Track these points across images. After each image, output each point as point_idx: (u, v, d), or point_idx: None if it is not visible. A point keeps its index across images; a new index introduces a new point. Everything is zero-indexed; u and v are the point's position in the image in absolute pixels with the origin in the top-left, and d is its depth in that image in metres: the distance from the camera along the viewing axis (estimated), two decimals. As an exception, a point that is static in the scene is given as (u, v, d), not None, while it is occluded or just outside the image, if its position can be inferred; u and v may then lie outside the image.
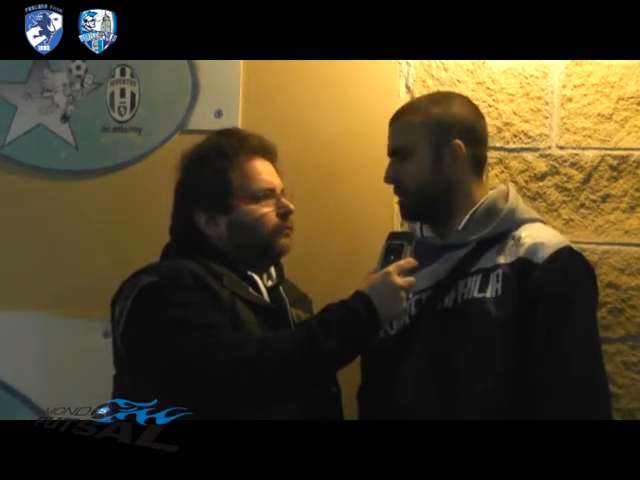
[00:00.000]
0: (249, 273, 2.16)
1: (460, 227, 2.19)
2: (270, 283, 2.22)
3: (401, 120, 2.23)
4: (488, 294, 2.10)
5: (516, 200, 2.23)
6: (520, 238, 2.14)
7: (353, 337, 2.00)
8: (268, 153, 2.22)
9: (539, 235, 2.14)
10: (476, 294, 2.12)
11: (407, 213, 2.25)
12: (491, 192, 2.24)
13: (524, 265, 2.10)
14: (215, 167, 2.16)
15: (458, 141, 2.19)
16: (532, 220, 2.21)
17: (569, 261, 2.11)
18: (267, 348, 1.95)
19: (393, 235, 2.16)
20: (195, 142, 2.24)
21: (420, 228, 2.28)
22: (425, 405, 2.09)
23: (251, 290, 2.14)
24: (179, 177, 2.22)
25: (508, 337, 2.08)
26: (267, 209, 2.16)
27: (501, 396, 2.07)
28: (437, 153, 2.18)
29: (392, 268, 2.05)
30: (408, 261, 2.07)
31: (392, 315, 2.06)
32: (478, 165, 2.24)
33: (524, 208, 2.24)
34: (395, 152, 2.22)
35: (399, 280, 2.04)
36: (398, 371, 2.16)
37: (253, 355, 1.94)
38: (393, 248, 2.11)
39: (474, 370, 2.08)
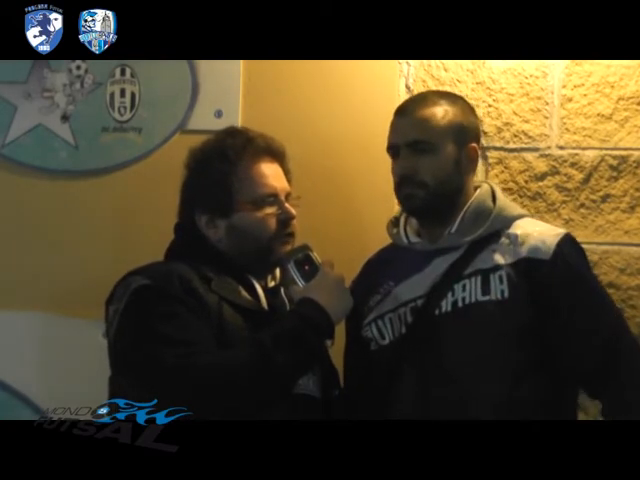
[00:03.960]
0: (246, 276, 2.14)
1: (453, 230, 2.18)
2: (274, 284, 2.21)
3: (421, 113, 2.17)
4: (493, 296, 2.10)
5: (504, 198, 2.25)
6: (517, 237, 2.14)
7: (308, 344, 2.01)
8: (275, 154, 2.19)
9: (535, 231, 2.15)
10: (480, 297, 2.11)
11: (418, 207, 2.18)
12: (477, 192, 2.23)
13: (529, 264, 2.11)
14: (217, 170, 2.14)
15: (475, 145, 2.21)
16: (521, 216, 2.21)
17: (573, 247, 2.16)
18: (218, 376, 1.94)
19: (289, 254, 2.14)
20: (198, 140, 2.23)
21: (405, 233, 2.25)
22: (430, 413, 2.07)
23: (243, 294, 2.12)
24: (184, 175, 2.21)
25: (520, 339, 2.09)
26: (268, 215, 2.14)
27: (514, 398, 2.07)
28: (458, 153, 2.18)
29: (326, 267, 2.10)
30: (329, 260, 2.12)
31: (344, 311, 2.09)
32: (476, 168, 2.27)
33: (512, 205, 2.25)
34: (412, 144, 2.16)
35: (337, 275, 2.09)
36: (396, 382, 2.14)
37: (204, 384, 1.94)
38: (300, 261, 2.12)
39: (485, 374, 2.08)
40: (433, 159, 2.16)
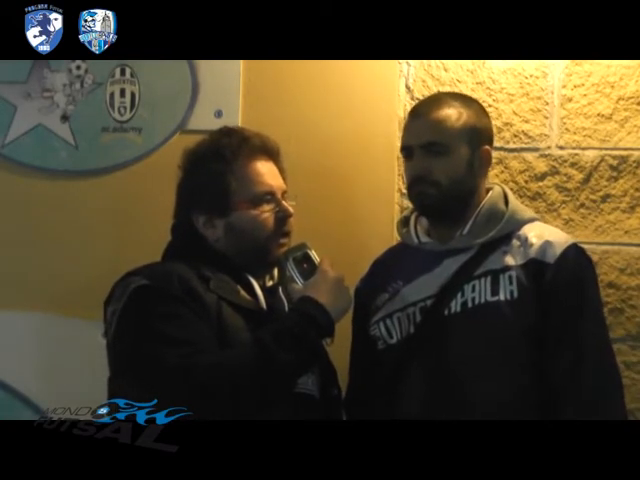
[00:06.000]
0: (244, 276, 2.14)
1: (465, 231, 2.18)
2: (272, 283, 2.21)
3: (435, 115, 2.17)
4: (502, 297, 2.10)
5: (516, 201, 2.26)
6: (527, 238, 2.15)
7: (308, 342, 2.00)
8: (270, 153, 2.19)
9: (545, 234, 2.16)
10: (489, 297, 2.11)
11: (430, 205, 2.18)
12: (490, 195, 2.23)
13: (537, 266, 2.11)
14: (213, 170, 2.14)
15: (488, 147, 2.22)
16: (532, 219, 2.22)
17: (578, 258, 2.15)
18: (220, 376, 1.94)
19: (288, 252, 2.14)
20: (198, 140, 2.23)
21: (415, 233, 2.25)
22: (437, 413, 2.07)
23: (242, 293, 2.11)
24: (180, 176, 2.21)
25: (528, 340, 2.09)
26: (266, 213, 2.14)
27: (521, 400, 2.08)
28: (471, 155, 2.18)
29: (325, 265, 2.10)
30: (328, 258, 2.12)
31: (343, 309, 2.08)
32: (488, 170, 2.27)
33: (523, 208, 2.26)
34: (426, 146, 2.16)
35: (336, 273, 2.09)
36: (403, 380, 2.15)
37: (206, 384, 1.93)
38: (299, 259, 2.12)
39: (492, 375, 2.08)
40: (447, 161, 2.16)
